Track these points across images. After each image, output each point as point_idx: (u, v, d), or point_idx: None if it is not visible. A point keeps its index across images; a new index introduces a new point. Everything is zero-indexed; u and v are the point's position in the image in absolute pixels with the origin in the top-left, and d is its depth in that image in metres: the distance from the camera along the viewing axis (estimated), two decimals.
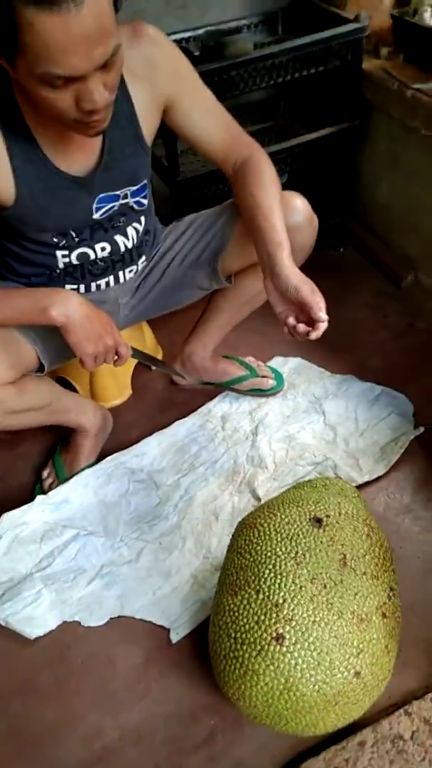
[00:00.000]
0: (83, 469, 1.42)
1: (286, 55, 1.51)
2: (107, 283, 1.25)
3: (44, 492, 1.39)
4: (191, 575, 1.24)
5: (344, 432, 1.48)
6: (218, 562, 1.24)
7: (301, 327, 1.06)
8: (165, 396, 1.63)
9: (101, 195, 1.11)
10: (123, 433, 1.52)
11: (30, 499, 1.38)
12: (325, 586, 0.91)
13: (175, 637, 1.16)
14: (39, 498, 1.35)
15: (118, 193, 1.13)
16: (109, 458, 1.43)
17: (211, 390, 1.59)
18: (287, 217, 1.18)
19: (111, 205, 1.14)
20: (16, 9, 0.76)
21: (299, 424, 1.50)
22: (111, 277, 1.24)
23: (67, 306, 1.05)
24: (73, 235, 1.14)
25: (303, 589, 0.90)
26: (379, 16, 1.63)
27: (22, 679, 1.15)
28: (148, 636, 1.18)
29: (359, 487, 1.37)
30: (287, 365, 1.64)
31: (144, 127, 1.10)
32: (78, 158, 1.06)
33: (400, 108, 1.57)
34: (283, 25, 1.80)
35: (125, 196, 1.15)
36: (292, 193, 1.24)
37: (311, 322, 1.05)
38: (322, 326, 1.05)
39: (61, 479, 1.41)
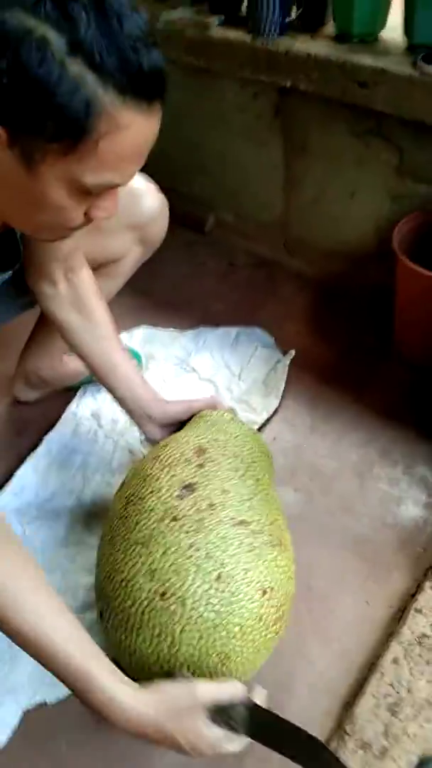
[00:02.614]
0: None
1: None
2: None
3: None
4: None
5: (223, 381, 1.41)
6: None
7: None
8: (15, 417, 1.40)
9: None
10: None
11: None
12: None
13: None
14: None
15: None
16: None
17: (62, 393, 1.40)
18: (141, 212, 1.11)
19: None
20: (105, 106, 0.58)
21: (177, 389, 1.39)
22: None
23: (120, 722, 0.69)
24: None
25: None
26: None
27: None
28: None
29: (263, 426, 1.32)
30: (135, 338, 1.51)
31: None
32: None
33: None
34: None
35: None
36: (140, 183, 1.11)
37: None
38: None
39: None
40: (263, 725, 0.72)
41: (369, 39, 1.28)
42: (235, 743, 0.72)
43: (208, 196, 1.79)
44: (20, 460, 1.28)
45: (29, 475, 1.25)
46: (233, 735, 0.71)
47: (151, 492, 0.87)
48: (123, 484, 0.96)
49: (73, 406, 1.38)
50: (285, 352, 1.45)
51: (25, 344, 1.33)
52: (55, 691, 0.97)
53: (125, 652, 0.81)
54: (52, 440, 1.31)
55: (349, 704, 0.94)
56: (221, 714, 0.70)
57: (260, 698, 0.75)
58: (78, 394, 1.40)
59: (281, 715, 0.74)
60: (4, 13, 0.56)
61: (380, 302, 1.49)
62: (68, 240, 0.91)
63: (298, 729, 0.72)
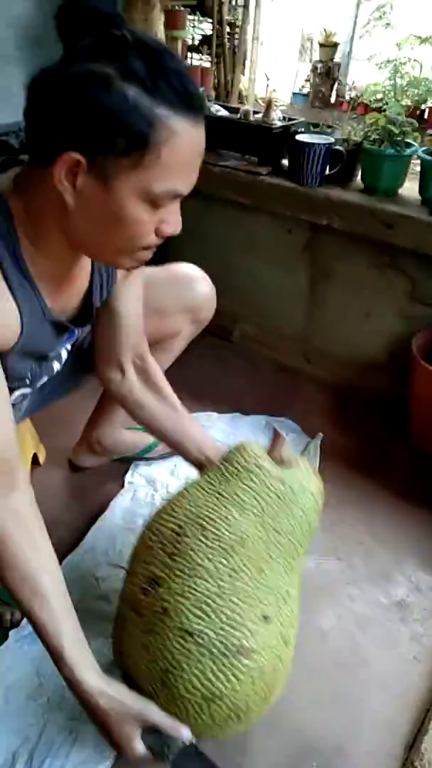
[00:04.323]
0: None
1: None
2: None
3: (3, 631, 1.15)
4: None
5: None
6: None
7: None
8: (72, 484, 1.50)
9: (73, 330, 0.99)
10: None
11: None
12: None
13: None
14: (12, 634, 1.11)
15: (77, 333, 1.02)
16: (64, 562, 1.25)
17: (114, 463, 1.53)
18: (194, 293, 1.27)
19: (68, 344, 1.04)
20: (159, 121, 0.70)
21: None
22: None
23: (75, 695, 0.86)
24: (29, 376, 0.97)
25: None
26: None
27: None
28: None
29: None
30: None
31: (118, 276, 1.03)
32: (66, 299, 0.94)
33: (210, 184, 1.81)
34: None
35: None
36: (191, 267, 1.30)
37: None
38: None
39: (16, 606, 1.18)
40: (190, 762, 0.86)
41: (391, 194, 1.63)
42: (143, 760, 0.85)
43: (236, 311, 2.05)
44: (82, 521, 1.37)
45: (98, 535, 1.35)
46: (150, 757, 0.84)
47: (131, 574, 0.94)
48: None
49: (128, 477, 1.50)
50: (312, 437, 1.64)
51: (90, 415, 1.47)
52: None
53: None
54: (115, 506, 1.41)
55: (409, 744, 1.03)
56: (155, 738, 0.83)
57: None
58: (131, 467, 1.53)
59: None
60: (71, 65, 0.70)
61: (391, 404, 1.73)
62: (137, 330, 1.10)
63: None
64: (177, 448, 1.16)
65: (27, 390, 1.01)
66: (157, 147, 0.71)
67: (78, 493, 1.47)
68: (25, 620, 1.14)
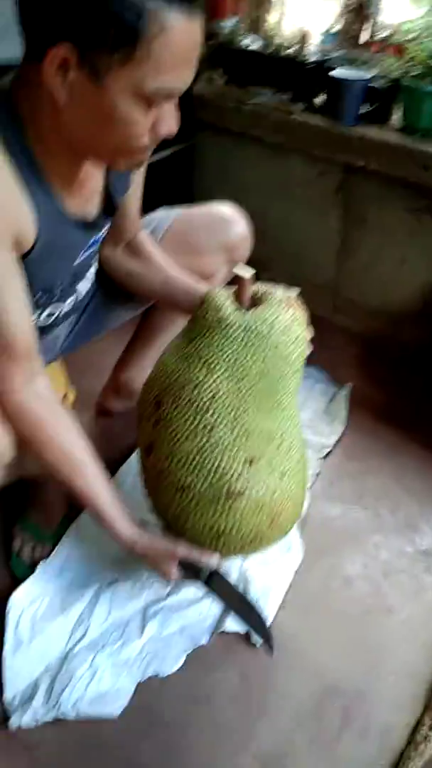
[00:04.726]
0: (63, 521, 1.23)
1: None
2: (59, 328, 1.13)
3: (30, 564, 1.16)
4: (240, 575, 1.17)
5: None
6: None
7: None
8: (102, 428, 1.50)
9: (95, 237, 0.98)
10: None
11: (13, 579, 1.15)
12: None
13: (256, 639, 1.08)
14: (40, 566, 1.13)
15: (102, 233, 1.01)
16: None
17: None
18: (230, 233, 1.25)
19: (92, 250, 1.01)
20: (149, 13, 0.68)
21: None
22: (65, 322, 1.13)
23: (118, 545, 0.98)
24: (56, 290, 0.97)
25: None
26: None
27: (122, 765, 0.94)
28: (231, 655, 1.08)
29: (331, 451, 1.46)
30: None
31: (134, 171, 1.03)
32: (83, 200, 0.93)
33: (241, 121, 1.74)
34: None
35: (103, 233, 1.03)
36: (227, 206, 1.27)
37: None
38: None
39: (47, 540, 1.20)
40: (219, 584, 1.00)
41: (430, 134, 1.55)
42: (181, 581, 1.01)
43: (265, 259, 1.99)
44: (109, 463, 1.37)
45: (126, 471, 1.36)
46: (188, 581, 1.01)
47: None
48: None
49: None
50: (340, 387, 1.62)
51: (119, 357, 1.46)
52: (166, 666, 1.04)
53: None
54: None
55: None
56: (188, 565, 0.98)
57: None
58: None
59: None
60: None
61: (423, 354, 1.68)
62: (135, 212, 1.10)
63: (242, 594, 1.04)
64: (170, 302, 1.16)
65: (58, 308, 1.01)
66: (148, 41, 0.69)
67: (105, 436, 1.47)
68: (52, 553, 1.16)
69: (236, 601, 1.03)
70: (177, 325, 1.36)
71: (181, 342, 0.98)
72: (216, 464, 0.92)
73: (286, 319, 0.93)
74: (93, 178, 0.94)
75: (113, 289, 1.21)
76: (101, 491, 0.94)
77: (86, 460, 0.93)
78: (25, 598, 1.08)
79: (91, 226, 0.95)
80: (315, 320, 1.88)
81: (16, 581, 1.13)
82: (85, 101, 0.73)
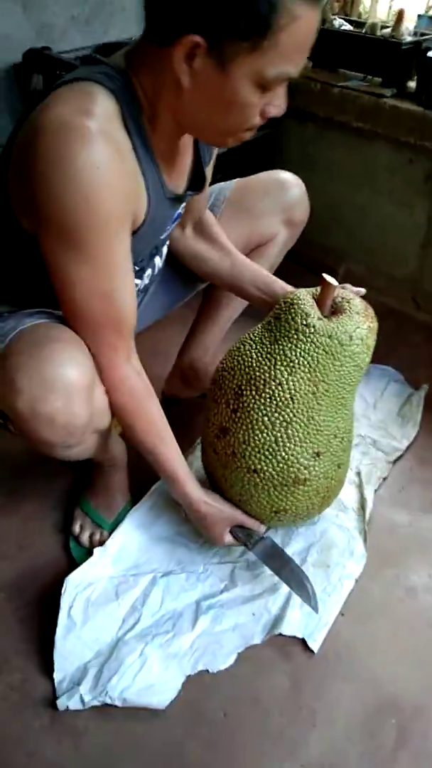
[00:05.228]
0: (124, 509, 1.22)
1: None
2: None
3: (88, 548, 1.17)
4: None
5: (360, 410, 1.49)
6: None
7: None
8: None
9: (179, 210, 1.03)
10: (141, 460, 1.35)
11: (70, 563, 1.16)
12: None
13: (313, 645, 1.04)
14: (97, 551, 1.12)
15: (181, 210, 1.05)
16: (152, 489, 1.24)
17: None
18: (286, 194, 1.26)
19: (175, 223, 1.05)
20: (283, 4, 0.69)
21: None
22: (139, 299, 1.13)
23: (185, 504, 1.09)
24: (140, 265, 1.02)
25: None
26: None
27: (166, 760, 0.93)
28: (283, 657, 1.04)
29: (402, 455, 1.39)
30: None
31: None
32: (177, 175, 0.97)
33: (327, 106, 1.67)
34: None
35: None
36: (283, 171, 1.28)
37: None
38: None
39: (106, 527, 1.20)
40: (269, 552, 1.09)
41: None
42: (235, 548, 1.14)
43: (341, 248, 1.93)
44: None
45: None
46: (240, 546, 1.11)
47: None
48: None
49: None
50: (417, 389, 1.54)
51: (183, 342, 1.44)
52: (216, 662, 1.02)
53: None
54: None
55: None
56: (241, 531, 1.09)
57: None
58: None
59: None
60: None
61: None
62: (204, 193, 1.12)
63: (291, 561, 1.09)
64: (237, 291, 1.22)
65: (136, 283, 1.04)
66: (278, 31, 0.71)
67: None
68: (109, 540, 1.16)
69: (281, 564, 1.09)
70: (238, 302, 1.36)
71: (264, 336, 1.04)
72: (288, 455, 1.01)
73: (364, 330, 1.00)
74: (186, 152, 0.97)
75: (175, 267, 1.23)
76: (177, 457, 1.05)
77: (168, 431, 1.03)
78: (80, 581, 1.08)
79: (180, 200, 0.98)
80: (393, 314, 1.82)
81: (73, 563, 1.14)
82: (208, 87, 0.76)
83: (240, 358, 1.06)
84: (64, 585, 1.07)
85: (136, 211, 0.86)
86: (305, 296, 1.02)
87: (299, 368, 0.99)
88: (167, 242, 1.12)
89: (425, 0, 1.82)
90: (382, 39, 1.57)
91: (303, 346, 0.98)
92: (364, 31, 1.63)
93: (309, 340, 0.98)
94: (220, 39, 0.71)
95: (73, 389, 0.86)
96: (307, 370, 0.99)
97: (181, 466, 1.05)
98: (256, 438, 1.01)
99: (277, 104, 0.81)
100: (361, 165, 1.77)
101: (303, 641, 1.06)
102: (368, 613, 1.11)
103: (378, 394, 1.53)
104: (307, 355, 0.98)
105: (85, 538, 1.19)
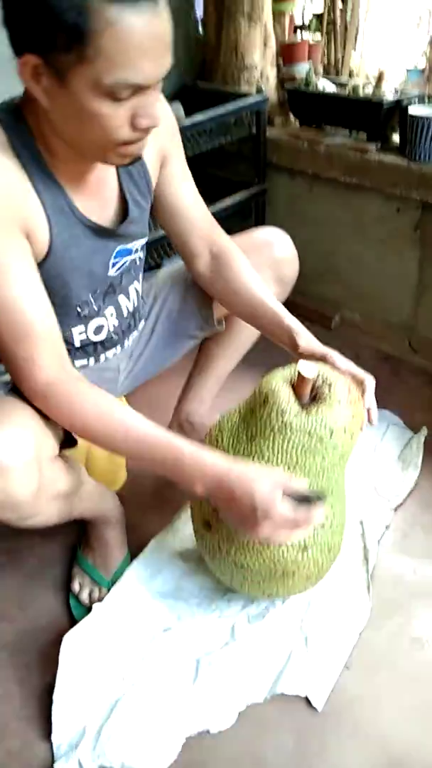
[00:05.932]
0: (122, 565, 1.22)
1: (211, 123, 1.60)
2: (114, 354, 1.15)
3: (88, 606, 1.16)
4: (301, 631, 1.11)
5: (360, 455, 1.48)
6: None
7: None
8: None
9: (119, 248, 1.02)
10: (137, 516, 1.35)
11: (71, 621, 1.15)
12: None
13: (317, 702, 1.02)
14: (95, 608, 1.12)
15: (131, 246, 1.05)
16: (151, 544, 1.24)
17: None
18: (274, 251, 1.26)
19: (125, 259, 1.05)
20: (93, 9, 0.69)
21: None
22: (118, 346, 1.15)
23: (205, 485, 0.87)
24: (92, 300, 1.02)
25: None
26: (267, 92, 1.81)
27: None
28: (286, 714, 1.02)
29: (403, 501, 1.38)
30: None
31: (152, 179, 1.05)
32: (98, 206, 0.97)
33: (315, 163, 1.73)
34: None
35: (136, 250, 1.07)
36: (272, 228, 1.29)
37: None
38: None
39: (104, 584, 1.19)
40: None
41: None
42: (308, 513, 0.84)
43: (336, 297, 1.96)
44: (170, 506, 1.36)
45: (186, 518, 1.32)
46: (305, 506, 0.84)
47: None
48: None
49: None
50: (416, 432, 1.54)
51: (180, 393, 1.46)
52: (218, 721, 0.99)
53: None
54: None
55: None
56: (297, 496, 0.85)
57: None
58: None
59: None
60: None
61: None
62: (203, 220, 1.13)
63: None
64: (257, 326, 1.18)
65: (102, 322, 1.06)
66: (96, 38, 0.70)
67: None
68: (107, 596, 1.15)
69: None
70: (233, 354, 1.38)
71: (241, 429, 1.01)
72: (274, 552, 0.98)
73: (345, 419, 0.96)
74: (107, 184, 0.97)
75: (171, 320, 1.25)
76: (167, 433, 0.90)
77: (137, 416, 0.92)
78: (78, 640, 1.06)
79: (110, 234, 0.98)
80: (390, 360, 1.84)
81: (74, 622, 1.12)
82: (59, 102, 0.77)
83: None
84: (62, 645, 1.05)
85: (26, 221, 0.85)
86: (281, 388, 0.97)
87: (278, 467, 0.95)
88: (133, 284, 1.11)
89: (413, 55, 1.90)
90: (365, 100, 1.64)
91: (281, 444, 0.95)
92: (347, 92, 1.70)
93: (286, 438, 0.94)
94: (48, 54, 0.73)
95: (9, 469, 0.83)
96: (286, 468, 0.95)
97: (178, 440, 0.88)
98: (239, 536, 0.97)
99: (145, 114, 0.79)
100: (351, 216, 1.82)
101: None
102: (373, 666, 1.09)
103: (377, 439, 1.53)
104: (285, 454, 0.95)
105: (84, 595, 1.19)
